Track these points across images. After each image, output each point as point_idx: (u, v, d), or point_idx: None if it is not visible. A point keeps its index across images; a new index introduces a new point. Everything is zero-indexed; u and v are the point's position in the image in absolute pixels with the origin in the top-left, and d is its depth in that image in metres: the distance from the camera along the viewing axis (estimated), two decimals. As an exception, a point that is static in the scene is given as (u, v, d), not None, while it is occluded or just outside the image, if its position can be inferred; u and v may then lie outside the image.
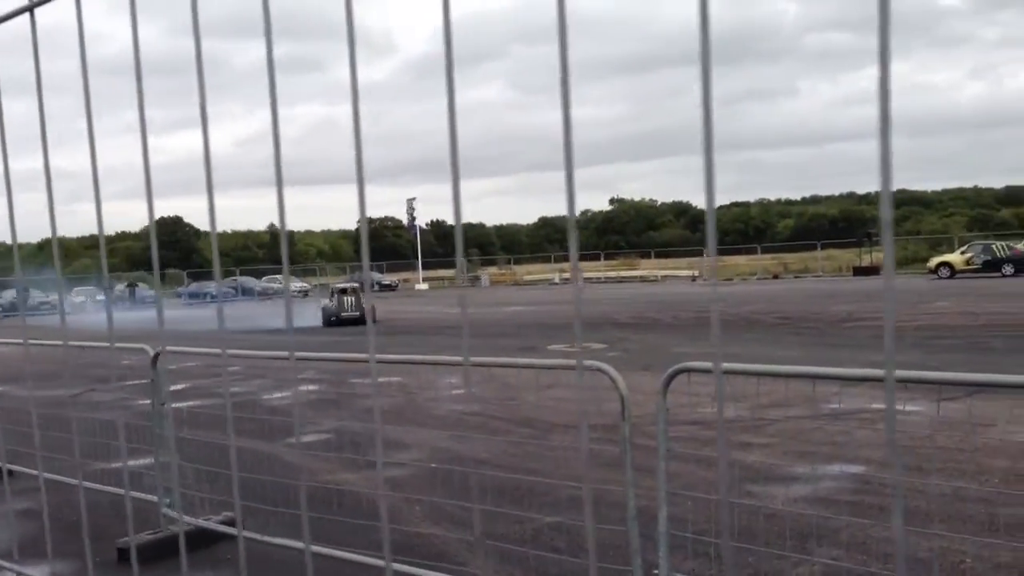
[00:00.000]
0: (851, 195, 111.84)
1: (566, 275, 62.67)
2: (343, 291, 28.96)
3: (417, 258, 68.52)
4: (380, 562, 4.94)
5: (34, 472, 6.78)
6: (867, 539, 5.13)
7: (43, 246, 68.78)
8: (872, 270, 48.20)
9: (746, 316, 22.73)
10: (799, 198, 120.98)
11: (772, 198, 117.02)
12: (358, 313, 27.24)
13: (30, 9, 1.47)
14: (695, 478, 6.53)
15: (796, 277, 54.13)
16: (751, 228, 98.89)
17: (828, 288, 37.46)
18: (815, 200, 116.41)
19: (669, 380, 4.20)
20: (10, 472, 7.30)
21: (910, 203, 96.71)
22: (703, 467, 6.80)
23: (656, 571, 4.22)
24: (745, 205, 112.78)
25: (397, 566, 4.70)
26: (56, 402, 9.73)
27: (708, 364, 4.42)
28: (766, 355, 13.92)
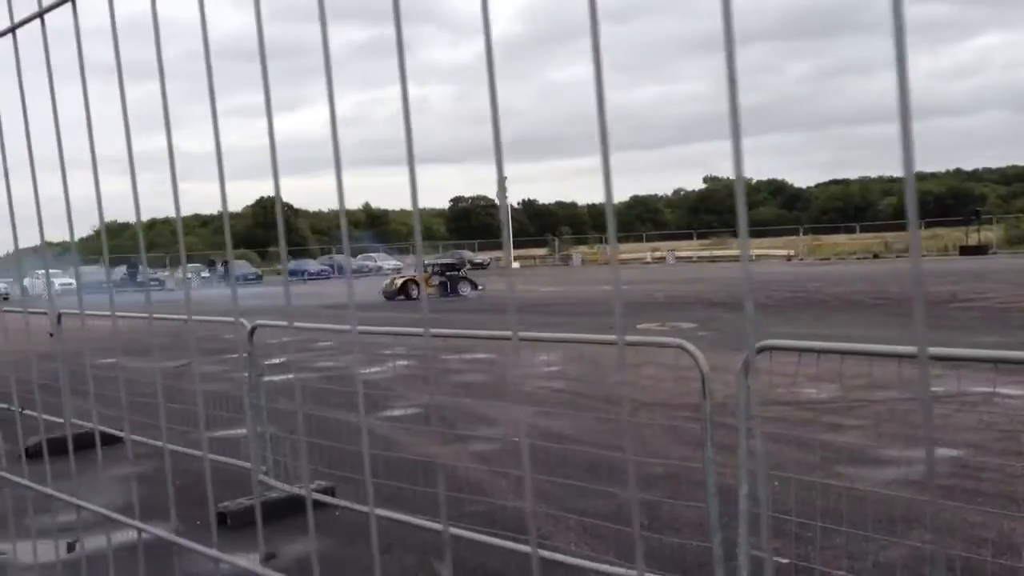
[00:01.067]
0: (958, 171, 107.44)
1: (658, 254, 62.10)
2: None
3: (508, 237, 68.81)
4: (434, 525, 5.08)
5: (153, 441, 7.14)
6: (960, 524, 5.00)
7: (150, 225, 71.63)
8: (980, 249, 46.37)
9: (842, 296, 22.17)
10: (902, 175, 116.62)
11: (873, 175, 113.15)
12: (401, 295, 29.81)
13: None
14: (783, 457, 6.45)
15: (899, 257, 52.41)
16: (851, 207, 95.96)
17: (933, 268, 36.17)
18: (920, 176, 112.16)
19: (752, 357, 4.16)
20: (113, 439, 7.70)
21: (1022, 179, 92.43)
22: (790, 447, 6.72)
23: (737, 549, 4.22)
24: (845, 183, 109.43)
25: (454, 530, 4.85)
26: (165, 374, 10.16)
27: (793, 342, 4.37)
28: (863, 336, 13.58)
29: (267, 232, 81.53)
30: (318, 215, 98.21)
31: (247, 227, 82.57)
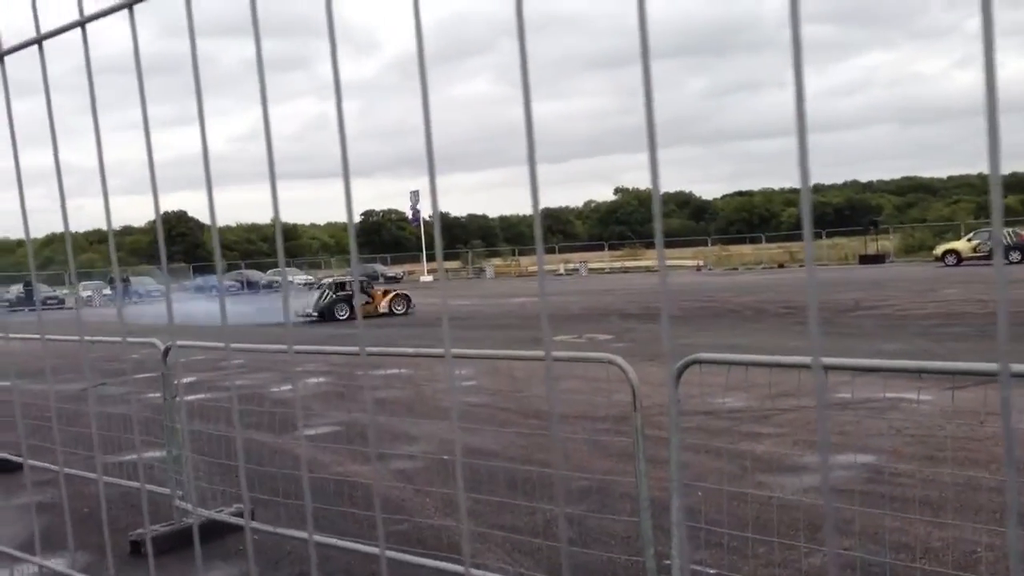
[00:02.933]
0: (855, 183, 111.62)
1: (571, 266, 62.65)
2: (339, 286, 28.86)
3: (421, 250, 68.48)
4: (375, 550, 4.98)
5: (51, 466, 6.81)
6: (879, 529, 5.13)
7: (48, 241, 68.96)
8: (878, 258, 48.13)
9: (752, 306, 22.72)
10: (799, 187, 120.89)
11: (776, 187, 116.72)
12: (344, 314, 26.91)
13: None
14: (704, 468, 6.53)
15: (801, 266, 54.01)
16: (755, 217, 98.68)
17: (834, 277, 37.40)
18: (818, 189, 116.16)
19: (681, 371, 4.19)
20: (21, 466, 7.34)
21: (916, 190, 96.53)
22: (712, 457, 6.81)
23: (668, 561, 4.23)
24: (749, 194, 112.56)
25: (391, 554, 4.73)
26: (69, 396, 9.74)
27: (719, 356, 4.42)
28: (774, 345, 13.91)
29: (171, 247, 79.38)
30: (225, 230, 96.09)
31: (151, 242, 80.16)
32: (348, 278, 29.37)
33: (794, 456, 7.13)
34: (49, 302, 44.17)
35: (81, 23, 1.39)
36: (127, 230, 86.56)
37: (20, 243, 55.20)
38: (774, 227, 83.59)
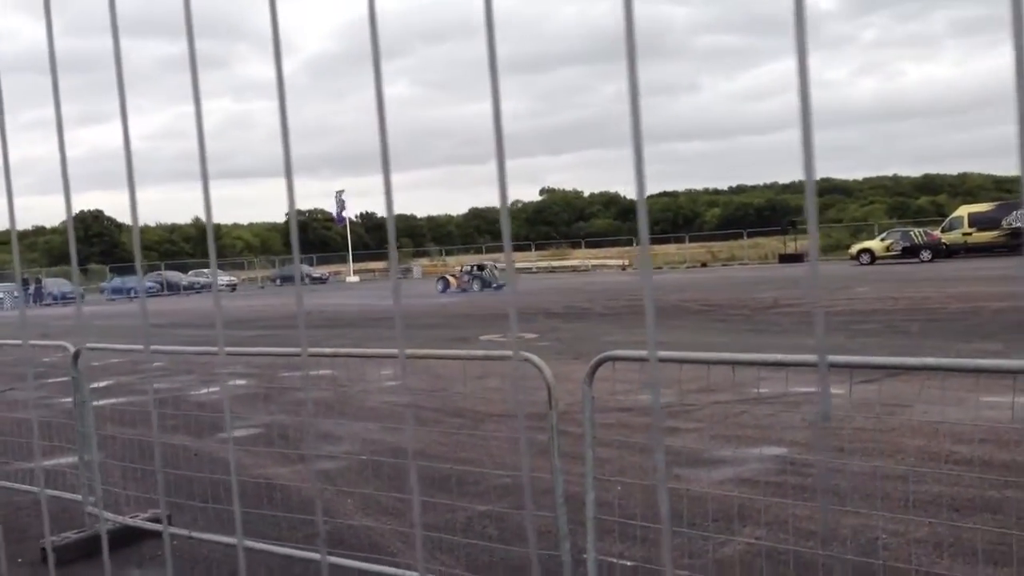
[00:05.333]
0: (775, 185, 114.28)
1: (499, 265, 62.79)
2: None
3: (347, 250, 67.90)
4: (315, 555, 4.94)
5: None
6: (789, 518, 5.29)
7: (-45, 241, 66.37)
8: (797, 257, 49.35)
9: (675, 304, 23.10)
10: (725, 187, 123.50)
11: (699, 188, 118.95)
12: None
13: None
14: (624, 463, 6.64)
15: (724, 265, 55.14)
16: (680, 217, 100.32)
17: (754, 275, 38.26)
18: (741, 190, 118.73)
19: (595, 368, 4.27)
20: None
21: (832, 191, 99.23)
22: (631, 452, 6.92)
23: (584, 555, 4.30)
24: (674, 195, 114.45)
25: (332, 559, 4.70)
26: (-27, 402, 9.39)
27: (633, 352, 4.52)
28: (694, 342, 14.18)
29: (87, 247, 77.12)
30: (145, 230, 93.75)
31: (64, 242, 77.83)
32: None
33: (711, 450, 7.29)
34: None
35: None
36: (39, 230, 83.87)
37: (-75, 244, 53.00)
38: (697, 227, 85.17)
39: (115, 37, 1.25)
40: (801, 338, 14.47)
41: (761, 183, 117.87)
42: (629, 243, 65.52)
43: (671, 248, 65.63)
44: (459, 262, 68.78)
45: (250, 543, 5.04)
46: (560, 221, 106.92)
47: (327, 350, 6.11)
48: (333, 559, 4.73)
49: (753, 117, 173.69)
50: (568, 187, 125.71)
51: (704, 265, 55.39)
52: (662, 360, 4.59)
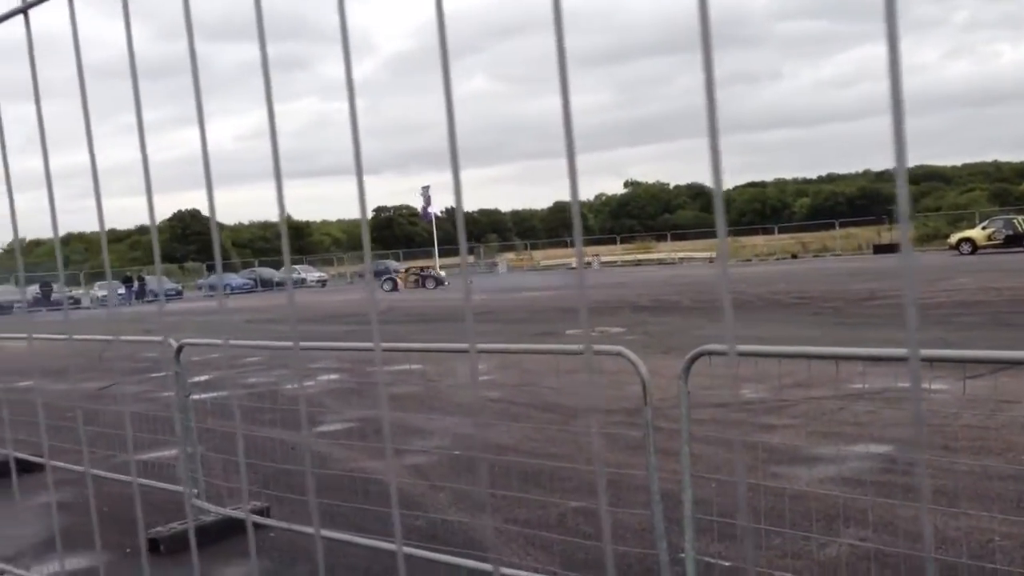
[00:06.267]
0: (867, 173, 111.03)
1: (585, 259, 62.53)
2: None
3: (433, 245, 68.56)
4: (388, 545, 4.99)
5: (71, 467, 6.88)
6: (894, 519, 5.11)
7: (64, 242, 69.39)
8: (893, 247, 47.85)
9: (765, 297, 22.64)
10: (815, 177, 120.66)
11: (788, 177, 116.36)
12: None
13: (24, 10, 1.49)
14: (719, 460, 6.52)
15: (815, 256, 53.83)
16: (768, 208, 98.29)
17: (848, 267, 37.25)
18: (831, 179, 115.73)
19: (690, 363, 4.19)
20: (33, 466, 7.40)
21: (929, 179, 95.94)
22: (727, 449, 6.80)
23: (682, 554, 4.23)
24: (761, 185, 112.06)
25: (408, 550, 4.73)
26: (85, 395, 9.79)
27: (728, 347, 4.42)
28: (786, 335, 13.87)
29: (185, 246, 79.70)
30: (238, 228, 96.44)
31: (164, 241, 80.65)
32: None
33: (808, 447, 7.11)
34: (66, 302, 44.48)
35: (23, 9, 1.40)
36: (142, 229, 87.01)
37: (36, 243, 55.54)
38: (786, 217, 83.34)
39: (190, 43, 1.26)
40: (899, 331, 14.00)
41: (853, 171, 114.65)
42: (715, 235, 64.40)
43: (759, 240, 64.32)
44: (544, 256, 68.83)
45: (328, 533, 5.12)
46: (645, 214, 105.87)
47: (400, 344, 6.16)
48: (409, 550, 4.77)
49: (841, 104, 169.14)
50: (652, 179, 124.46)
51: (794, 256, 54.15)
52: (753, 355, 4.49)
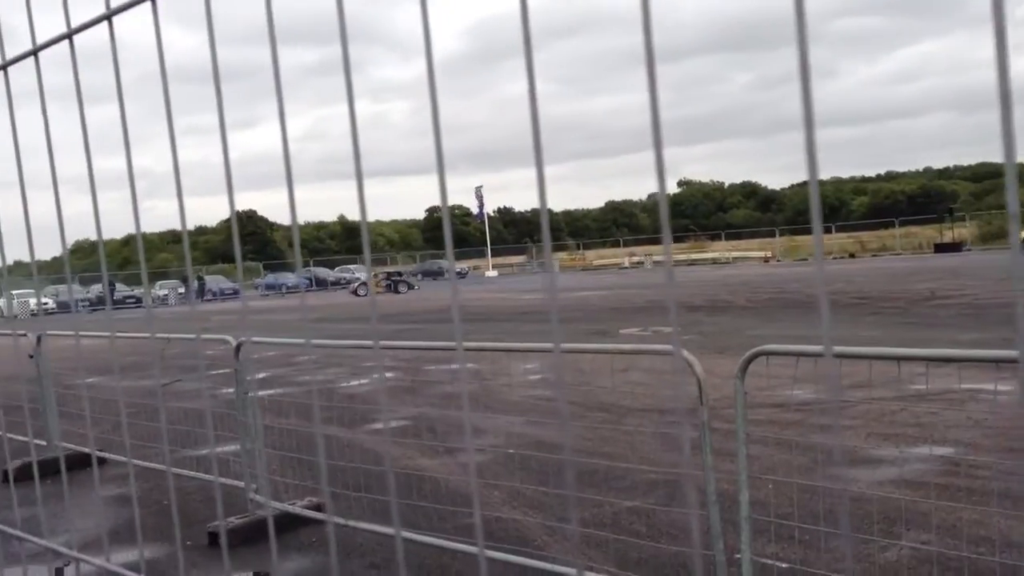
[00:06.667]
0: (927, 170, 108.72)
1: (636, 259, 62.28)
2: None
3: (486, 245, 68.77)
4: (469, 548, 5.01)
5: (125, 460, 7.04)
6: (957, 522, 5.00)
7: (127, 241, 70.97)
8: (955, 246, 46.83)
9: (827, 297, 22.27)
10: (873, 175, 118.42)
11: (845, 176, 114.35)
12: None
13: (108, 17, 1.52)
14: (774, 461, 6.44)
15: (873, 256, 52.86)
16: (825, 206, 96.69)
17: (908, 266, 36.50)
18: (890, 176, 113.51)
19: (747, 363, 4.14)
20: (101, 460, 7.59)
21: (994, 176, 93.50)
22: (782, 450, 6.71)
23: (738, 555, 4.19)
24: (819, 183, 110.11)
25: (490, 553, 4.74)
26: (146, 392, 10.01)
27: (789, 347, 4.35)
28: (846, 336, 13.64)
29: (242, 246, 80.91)
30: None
31: (222, 241, 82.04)
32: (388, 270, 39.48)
33: (867, 448, 6.98)
34: (128, 301, 45.51)
35: (108, 16, 1.43)
36: (200, 230, 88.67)
37: (96, 245, 56.84)
38: (844, 216, 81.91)
39: (273, 47, 1.28)
40: (961, 332, 13.69)
41: (913, 169, 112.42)
42: (771, 234, 63.55)
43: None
44: (597, 256, 68.62)
45: (407, 534, 5.16)
46: (699, 213, 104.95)
47: (486, 344, 6.18)
48: (491, 553, 4.78)
49: (899, 101, 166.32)
50: (706, 178, 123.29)
51: (852, 256, 53.22)
52: (820, 356, 4.42)
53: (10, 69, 1.72)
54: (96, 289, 44.83)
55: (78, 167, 1.71)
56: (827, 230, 63.05)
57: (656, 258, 61.22)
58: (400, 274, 47.42)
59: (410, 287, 45.01)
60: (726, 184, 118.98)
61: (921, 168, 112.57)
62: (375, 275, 47.74)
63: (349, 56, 1.20)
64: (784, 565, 4.65)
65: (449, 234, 1.17)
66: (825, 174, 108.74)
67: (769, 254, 56.89)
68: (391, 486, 1.29)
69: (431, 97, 1.05)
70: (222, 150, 1.41)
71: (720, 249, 63.89)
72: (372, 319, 1.51)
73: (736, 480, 4.11)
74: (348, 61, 1.19)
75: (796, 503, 5.02)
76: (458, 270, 63.61)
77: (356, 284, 44.77)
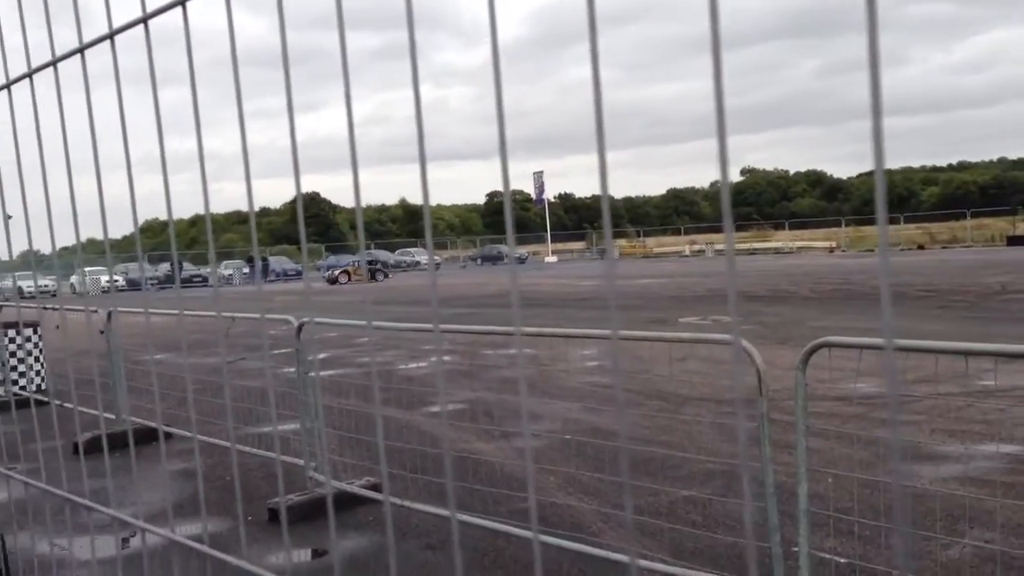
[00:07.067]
0: (1001, 160, 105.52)
1: (697, 247, 61.66)
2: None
3: (546, 231, 68.69)
4: (523, 532, 5.04)
5: (190, 435, 7.21)
6: (1023, 521, 4.88)
7: (195, 222, 72.54)
8: (1027, 239, 45.40)
9: (890, 288, 21.81)
10: (945, 164, 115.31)
11: (915, 165, 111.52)
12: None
13: (183, 2, 1.55)
14: (835, 455, 6.34)
15: (943, 248, 51.55)
16: (894, 196, 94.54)
17: (979, 259, 35.52)
18: (963, 167, 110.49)
19: (808, 355, 4.08)
20: (167, 435, 7.78)
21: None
22: (843, 443, 6.61)
23: (795, 548, 4.14)
24: (886, 173, 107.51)
25: (544, 538, 4.77)
26: (211, 369, 10.23)
27: (851, 339, 4.28)
28: (912, 329, 13.35)
29: (306, 228, 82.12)
30: (353, 210, 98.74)
31: (286, 223, 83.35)
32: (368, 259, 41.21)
33: (932, 444, 6.84)
34: (195, 280, 46.54)
35: (182, 1, 1.45)
36: (264, 212, 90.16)
37: (165, 224, 58.24)
38: (913, 207, 79.97)
39: (341, 33, 1.29)
40: (1034, 327, 13.29)
41: (986, 159, 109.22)
42: (837, 224, 62.29)
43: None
44: (658, 243, 68.10)
45: (463, 516, 5.20)
46: (763, 201, 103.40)
47: (544, 329, 6.19)
48: (544, 538, 4.80)
49: (973, 89, 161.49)
50: (770, 166, 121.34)
51: (921, 248, 51.94)
52: (882, 348, 4.33)
53: (86, 52, 1.77)
54: (164, 268, 45.88)
55: (148, 149, 1.75)
56: (895, 221, 61.65)
57: (718, 247, 60.56)
58: (375, 261, 49.15)
59: (385, 276, 46.54)
60: (791, 172, 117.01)
61: (995, 158, 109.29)
62: (352, 264, 48.68)
63: (415, 41, 1.21)
64: (843, 560, 4.58)
65: (511, 221, 1.17)
66: (894, 163, 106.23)
67: (834, 244, 55.82)
68: (447, 468, 1.29)
69: (495, 83, 1.06)
70: (289, 133, 1.43)
71: (783, 239, 62.90)
72: (432, 303, 1.53)
73: (795, 473, 4.06)
74: (414, 46, 1.20)
75: (857, 498, 4.94)
76: (517, 255, 63.86)
77: (338, 271, 44.84)
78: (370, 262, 47.79)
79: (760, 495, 4.08)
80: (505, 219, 1.22)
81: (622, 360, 10.93)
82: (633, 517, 5.33)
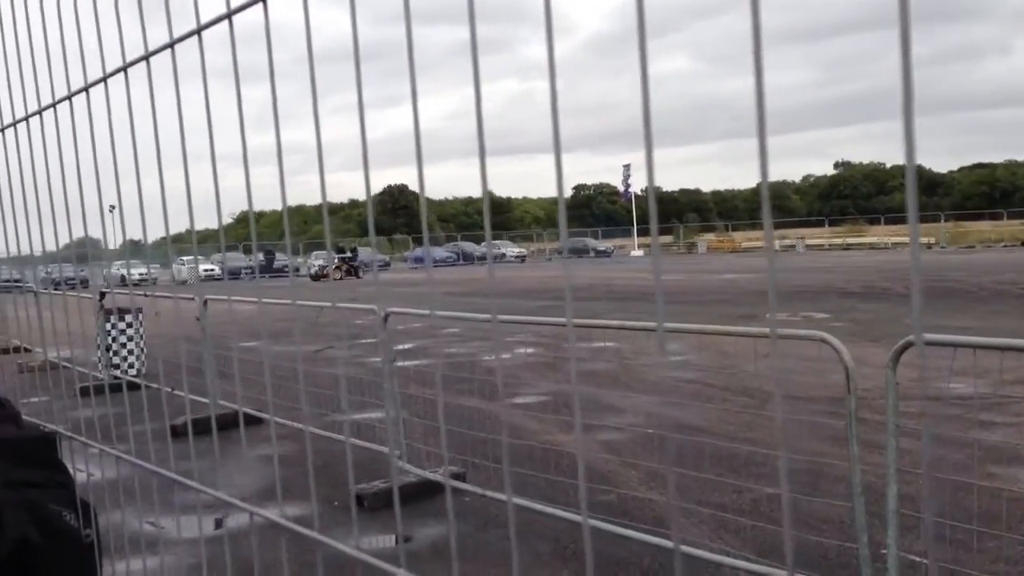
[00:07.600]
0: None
1: (787, 242, 60.38)
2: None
3: (632, 224, 68.21)
4: (574, 516, 5.05)
5: (289, 423, 7.40)
6: None
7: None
8: None
9: (988, 286, 21.02)
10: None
11: (1021, 159, 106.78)
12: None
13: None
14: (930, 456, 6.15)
15: (1049, 244, 49.32)
16: (997, 191, 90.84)
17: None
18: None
19: (899, 353, 3.97)
20: (259, 420, 8.00)
21: None
22: (937, 445, 6.40)
23: (884, 550, 4.04)
24: (990, 166, 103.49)
25: (593, 523, 4.78)
26: (307, 358, 10.44)
27: (944, 336, 4.15)
28: (1010, 329, 12.83)
29: (394, 219, 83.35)
30: (442, 203, 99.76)
31: (377, 214, 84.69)
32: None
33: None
34: (286, 270, 47.74)
35: None
36: (353, 203, 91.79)
37: (259, 216, 59.81)
38: (1018, 202, 76.67)
39: (408, 28, 1.32)
40: None
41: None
42: (936, 219, 60.23)
43: (985, 225, 59.64)
44: (746, 238, 66.91)
45: (519, 500, 5.24)
46: (858, 195, 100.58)
47: (598, 322, 6.18)
48: (593, 522, 4.82)
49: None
50: (866, 159, 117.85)
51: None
52: (976, 347, 4.19)
53: (176, 48, 1.84)
54: (260, 258, 47.21)
55: (236, 143, 1.81)
56: (997, 216, 59.30)
57: (809, 242, 59.24)
58: (355, 258, 48.10)
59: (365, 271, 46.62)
60: (888, 165, 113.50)
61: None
62: (336, 258, 48.24)
63: (476, 34, 1.23)
64: (927, 561, 4.45)
65: (488, 217, 1.18)
66: (998, 156, 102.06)
67: (933, 240, 53.99)
68: (504, 454, 1.31)
69: (550, 81, 1.06)
70: (360, 130, 1.46)
71: (879, 234, 61.12)
72: (491, 294, 1.54)
73: (884, 473, 3.96)
74: (475, 39, 1.22)
75: (949, 500, 4.79)
76: (603, 249, 63.61)
77: (320, 268, 44.60)
78: (347, 259, 47.37)
79: (848, 495, 3.99)
80: (484, 217, 1.23)
81: (708, 356, 10.80)
82: (716, 513, 5.27)
